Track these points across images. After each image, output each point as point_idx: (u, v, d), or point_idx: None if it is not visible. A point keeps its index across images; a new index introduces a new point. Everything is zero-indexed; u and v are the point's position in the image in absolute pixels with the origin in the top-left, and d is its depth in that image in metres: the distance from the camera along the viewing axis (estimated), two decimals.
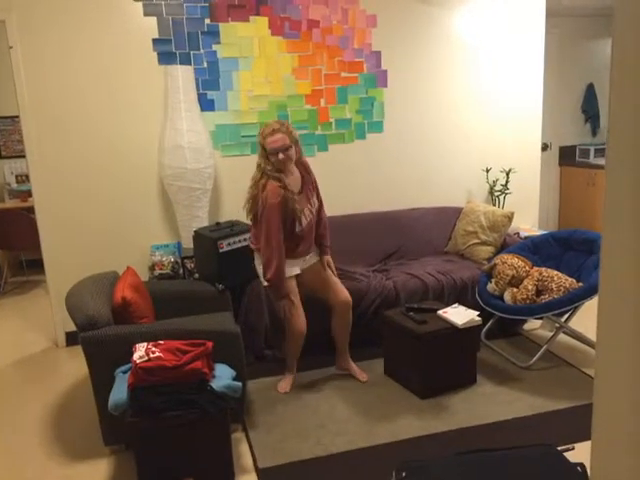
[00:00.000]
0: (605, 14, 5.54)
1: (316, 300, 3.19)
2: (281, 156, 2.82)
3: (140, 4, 3.68)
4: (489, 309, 3.41)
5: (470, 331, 3.10)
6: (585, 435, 1.07)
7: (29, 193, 4.66)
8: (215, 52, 3.87)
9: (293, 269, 3.06)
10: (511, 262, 3.44)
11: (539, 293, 3.32)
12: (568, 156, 6.19)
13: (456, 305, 3.25)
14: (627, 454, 0.94)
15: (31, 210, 4.12)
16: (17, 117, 3.81)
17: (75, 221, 3.82)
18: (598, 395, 0.96)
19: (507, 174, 4.52)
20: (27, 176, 4.81)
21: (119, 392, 2.28)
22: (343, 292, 3.18)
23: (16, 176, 5.87)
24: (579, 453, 1.93)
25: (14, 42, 3.54)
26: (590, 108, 6.13)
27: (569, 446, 1.97)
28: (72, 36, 3.62)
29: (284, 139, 2.81)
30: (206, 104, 3.87)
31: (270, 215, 2.82)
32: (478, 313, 3.14)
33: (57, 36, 3.60)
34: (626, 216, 0.85)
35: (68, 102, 3.70)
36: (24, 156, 3.84)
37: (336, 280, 3.22)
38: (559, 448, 1.84)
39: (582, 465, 1.77)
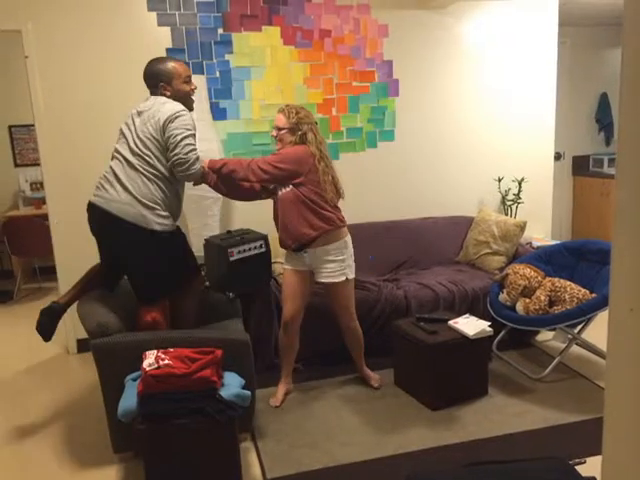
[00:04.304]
0: (618, 23, 5.50)
1: (326, 312, 3.19)
2: (273, 132, 3.01)
3: (154, 14, 3.73)
4: (501, 320, 3.38)
5: (481, 342, 3.07)
6: (598, 449, 1.05)
7: (43, 200, 4.71)
8: (228, 62, 3.90)
9: (286, 260, 3.10)
10: (523, 272, 3.41)
11: (552, 304, 3.28)
12: (581, 166, 6.14)
13: (467, 315, 3.22)
14: (638, 468, 0.92)
15: (45, 217, 4.16)
16: (32, 126, 3.85)
17: (88, 229, 3.84)
18: (609, 408, 0.94)
19: (519, 183, 4.49)
20: (41, 184, 4.86)
21: (129, 399, 2.29)
22: (343, 317, 3.14)
23: (31, 184, 5.94)
24: (591, 467, 1.90)
25: (30, 52, 3.59)
26: (604, 117, 6.09)
27: (580, 459, 1.94)
28: (87, 46, 3.67)
29: (280, 119, 2.97)
30: (218, 113, 3.90)
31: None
32: (489, 324, 3.11)
33: (72, 46, 3.65)
34: (636, 224, 0.84)
35: (83, 111, 3.74)
36: (39, 164, 3.89)
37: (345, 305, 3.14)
38: (570, 462, 1.81)
39: (594, 479, 1.74)
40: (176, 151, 2.60)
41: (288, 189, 2.92)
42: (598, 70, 6.00)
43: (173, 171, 2.67)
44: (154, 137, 2.65)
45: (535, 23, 4.45)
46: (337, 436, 2.78)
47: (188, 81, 2.81)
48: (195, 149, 2.65)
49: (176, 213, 2.82)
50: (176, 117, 2.62)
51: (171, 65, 2.78)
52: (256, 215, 3.51)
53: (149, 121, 2.66)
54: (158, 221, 2.67)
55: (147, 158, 2.65)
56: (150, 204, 2.65)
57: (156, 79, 2.77)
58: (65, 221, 3.80)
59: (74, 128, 3.75)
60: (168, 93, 2.75)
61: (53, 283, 4.48)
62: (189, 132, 2.64)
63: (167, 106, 2.67)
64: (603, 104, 6.07)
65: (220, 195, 3.77)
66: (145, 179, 2.65)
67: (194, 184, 2.98)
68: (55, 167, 3.76)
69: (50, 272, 4.46)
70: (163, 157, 2.66)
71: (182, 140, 2.60)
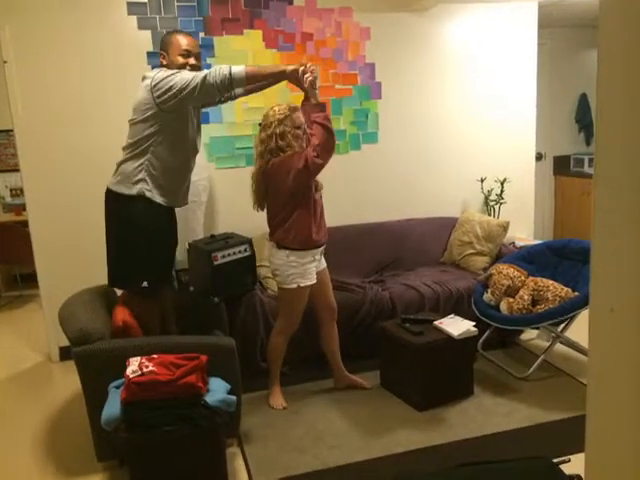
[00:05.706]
0: (596, 25, 5.59)
1: (312, 316, 3.18)
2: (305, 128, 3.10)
3: (134, 18, 3.70)
4: (485, 319, 3.39)
5: (466, 342, 3.08)
6: (582, 446, 1.06)
7: (23, 207, 4.64)
8: (209, 65, 3.88)
9: (311, 274, 3.01)
10: (507, 272, 3.43)
11: (535, 303, 3.31)
12: (562, 166, 6.21)
13: (452, 316, 3.24)
14: (621, 466, 0.92)
15: (25, 224, 4.10)
16: (11, 131, 3.80)
17: (69, 235, 3.80)
18: (591, 406, 0.95)
19: (502, 184, 4.52)
20: (21, 190, 4.79)
21: (112, 407, 2.26)
22: (332, 298, 3.20)
23: (10, 190, 5.85)
24: (576, 465, 1.91)
25: (8, 56, 3.54)
26: (584, 118, 6.16)
27: (565, 458, 1.95)
28: (66, 50, 3.63)
29: (300, 117, 3.13)
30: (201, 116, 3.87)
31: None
32: (474, 324, 3.13)
33: (51, 50, 3.61)
34: (615, 224, 0.85)
35: (62, 116, 3.70)
36: (18, 170, 3.84)
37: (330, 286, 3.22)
38: (555, 460, 1.82)
39: (579, 477, 1.75)
40: (172, 92, 2.62)
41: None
42: (577, 71, 6.08)
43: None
44: (141, 101, 2.71)
45: (515, 25, 4.49)
46: (324, 439, 2.77)
47: (184, 55, 2.79)
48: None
49: (165, 187, 2.79)
50: (164, 77, 2.64)
51: (174, 36, 2.85)
52: (240, 219, 3.50)
53: (141, 89, 2.72)
54: (129, 184, 2.72)
55: (132, 136, 2.78)
56: (128, 176, 2.75)
57: (160, 48, 2.88)
58: (46, 227, 3.75)
59: (54, 133, 3.71)
60: (165, 62, 2.82)
61: (34, 290, 4.41)
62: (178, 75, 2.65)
63: (159, 71, 2.71)
64: (583, 105, 6.14)
65: (204, 199, 3.76)
66: (129, 159, 2.77)
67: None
68: (35, 173, 3.72)
69: (31, 279, 4.40)
70: (146, 123, 2.72)
71: (175, 83, 2.61)
